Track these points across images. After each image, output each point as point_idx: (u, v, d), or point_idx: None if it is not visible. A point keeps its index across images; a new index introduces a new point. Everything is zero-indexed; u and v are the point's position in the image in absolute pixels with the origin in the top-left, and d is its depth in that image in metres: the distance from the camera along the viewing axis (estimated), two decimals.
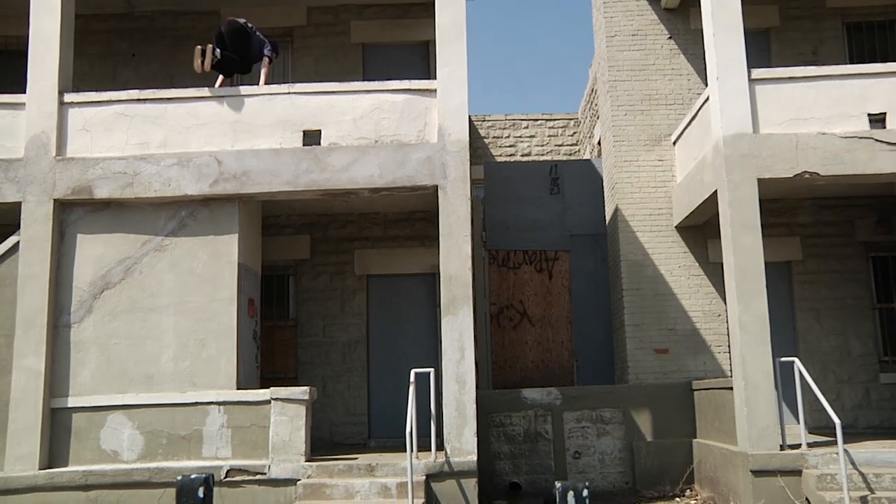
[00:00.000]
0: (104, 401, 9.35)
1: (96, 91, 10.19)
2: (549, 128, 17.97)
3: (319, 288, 11.81)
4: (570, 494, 2.21)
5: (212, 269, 9.66)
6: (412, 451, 8.51)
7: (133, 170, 9.77)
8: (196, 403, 9.29)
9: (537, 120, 17.96)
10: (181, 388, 9.44)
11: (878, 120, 9.68)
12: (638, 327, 12.07)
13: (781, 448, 9.10)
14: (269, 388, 9.49)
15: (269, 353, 11.45)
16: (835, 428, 10.38)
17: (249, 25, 10.40)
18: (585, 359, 13.34)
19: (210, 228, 9.73)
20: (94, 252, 9.76)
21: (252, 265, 10.33)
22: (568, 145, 17.64)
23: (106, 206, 9.88)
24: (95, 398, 9.38)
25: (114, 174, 9.78)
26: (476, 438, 9.21)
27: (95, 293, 9.69)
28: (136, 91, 10.06)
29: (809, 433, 9.13)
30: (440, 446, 9.27)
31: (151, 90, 10.05)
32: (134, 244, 9.76)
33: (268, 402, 9.24)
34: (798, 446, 9.12)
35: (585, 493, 2.15)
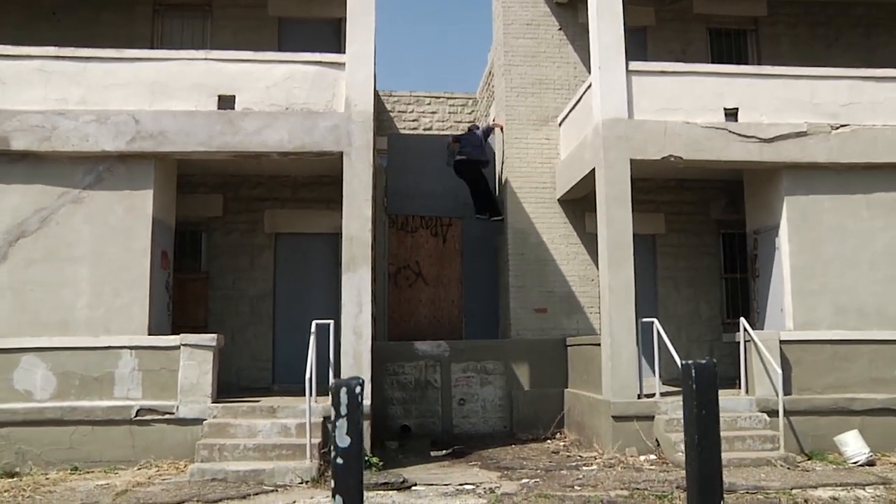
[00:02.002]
0: (18, 343, 9.02)
1: (14, 45, 9.67)
2: (450, 105, 17.93)
3: (230, 244, 11.62)
4: (343, 391, 2.27)
5: (127, 222, 9.38)
6: (311, 395, 8.43)
7: (51, 124, 9.37)
8: (109, 347, 9.02)
9: (439, 97, 17.91)
10: (95, 333, 9.17)
11: (732, 114, 10.11)
12: (521, 289, 12.19)
13: (639, 397, 9.37)
14: (179, 334, 9.25)
15: (182, 304, 11.10)
16: None
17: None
18: (473, 316, 13.42)
19: (127, 184, 9.44)
20: (10, 202, 9.35)
21: (166, 220, 10.04)
22: (466, 122, 17.70)
23: (23, 157, 9.45)
24: (9, 340, 9.04)
25: (31, 127, 9.36)
26: (371, 385, 9.19)
27: (11, 241, 9.29)
28: (55, 48, 9.61)
29: (664, 384, 9.60)
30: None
31: (70, 48, 9.62)
32: (51, 196, 9.38)
33: (177, 347, 9.08)
34: (653, 395, 9.39)
35: (358, 389, 2.20)
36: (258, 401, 9.48)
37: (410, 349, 11.72)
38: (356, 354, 9.09)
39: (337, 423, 2.15)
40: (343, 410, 2.27)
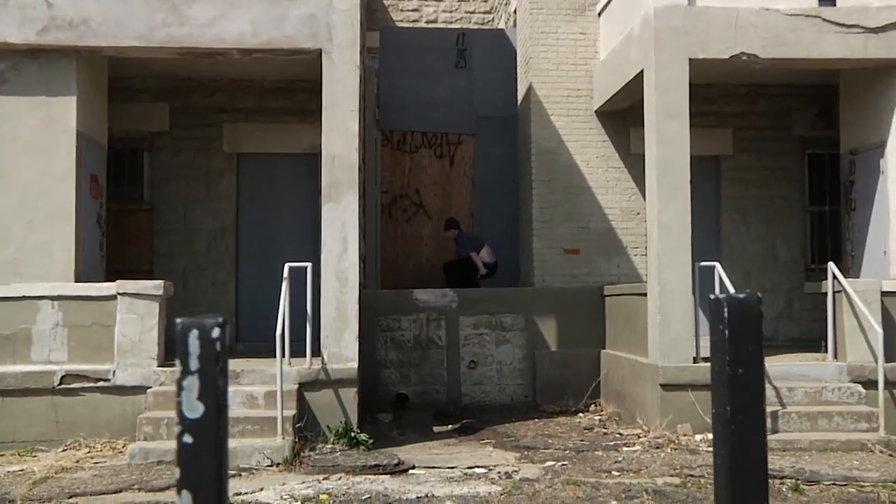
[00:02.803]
0: None
1: None
2: None
3: (181, 166, 11.59)
4: (193, 336, 2.02)
5: (43, 137, 9.14)
6: (283, 356, 8.55)
7: None
8: (23, 298, 8.87)
9: None
10: (4, 279, 9.01)
11: None
12: (547, 224, 12.16)
13: (695, 360, 9.32)
14: (116, 281, 9.14)
15: (120, 242, 11.15)
16: None
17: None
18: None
19: (40, 87, 9.15)
20: None
21: (96, 135, 9.91)
22: (480, 13, 17.33)
23: None
24: None
25: None
26: (358, 344, 9.24)
27: None
28: None
29: None
30: (317, 352, 9.22)
31: None
32: None
33: (114, 297, 9.00)
34: None
35: (216, 332, 1.97)
36: None
37: (409, 299, 11.72)
38: (340, 305, 9.11)
39: (184, 384, 1.90)
40: (193, 364, 2.02)
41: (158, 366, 9.03)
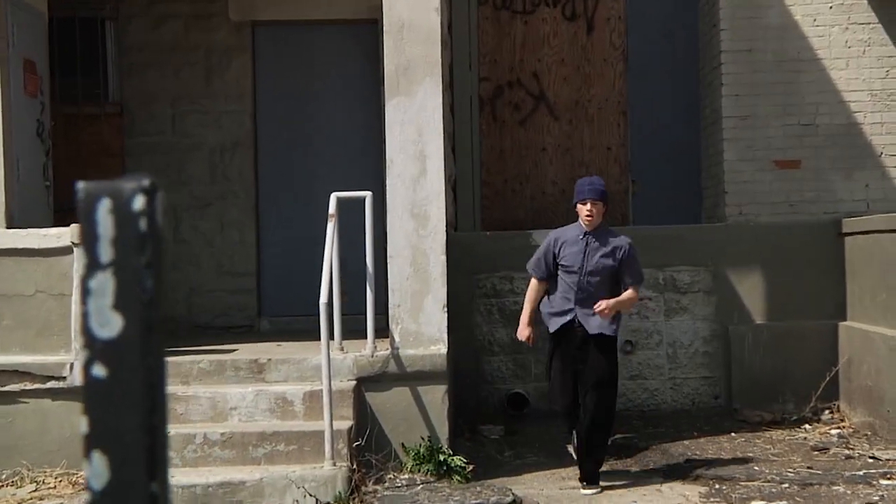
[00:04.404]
0: None
1: None
2: None
3: (164, 45, 11.89)
4: (103, 206, 1.72)
5: None
6: (332, 337, 8.73)
7: None
8: None
9: None
10: None
11: None
12: (745, 122, 12.08)
13: None
14: (70, 225, 9.23)
15: (75, 165, 11.21)
16: None
17: None
18: (649, 177, 13.37)
19: None
20: None
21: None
22: None
23: None
24: None
25: None
26: (447, 317, 9.33)
27: None
28: None
29: None
30: (383, 331, 9.38)
31: None
32: None
33: (68, 250, 9.09)
34: None
35: (139, 202, 1.68)
36: (232, 349, 9.87)
37: (526, 246, 11.47)
38: (417, 257, 9.27)
39: (90, 285, 1.84)
40: (103, 254, 2.01)
41: None
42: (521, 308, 11.49)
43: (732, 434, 10.50)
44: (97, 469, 1.80)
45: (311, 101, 11.92)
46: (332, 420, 8.38)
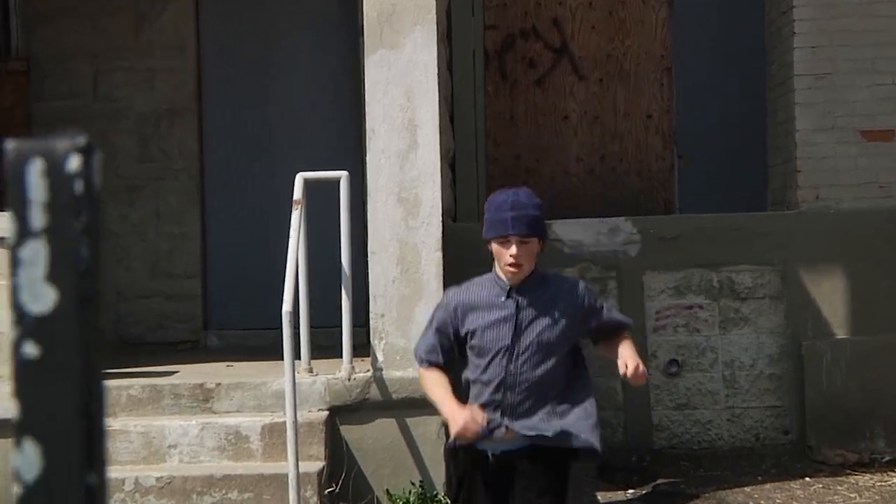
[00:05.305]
0: None
1: None
2: None
3: None
4: (35, 166, 1.81)
5: None
6: (297, 356, 8.90)
7: None
8: None
9: None
10: None
11: None
12: (824, 80, 12.02)
13: None
14: None
15: None
16: None
17: None
18: (700, 152, 13.41)
19: None
20: None
21: None
22: None
23: None
24: None
25: None
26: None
27: None
28: None
29: None
30: (363, 348, 9.65)
31: None
32: None
33: None
34: None
35: (74, 163, 1.79)
36: (171, 371, 10.01)
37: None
38: (406, 253, 9.43)
39: (20, 255, 1.98)
40: (35, 219, 2.07)
41: None
42: None
43: (807, 479, 10.51)
44: (29, 458, 1.86)
45: (272, 55, 12.08)
46: (297, 461, 8.46)
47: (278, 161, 11.59)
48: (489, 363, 6.60)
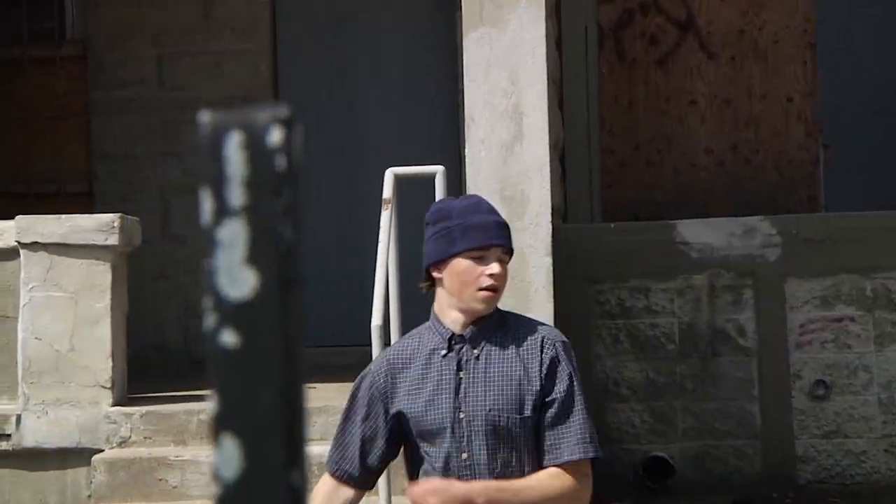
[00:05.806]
0: None
1: None
2: None
3: None
4: (233, 140, 1.87)
5: None
6: None
7: None
8: None
9: None
10: None
11: None
12: None
13: None
14: (15, 217, 9.57)
15: (14, 130, 11.84)
16: None
17: None
18: (849, 141, 13.36)
19: None
20: None
21: None
22: None
23: None
24: None
25: None
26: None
27: None
28: None
29: None
30: None
31: None
32: None
33: (13, 252, 9.46)
34: None
35: (276, 136, 1.79)
36: None
37: (667, 242, 11.76)
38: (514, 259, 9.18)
39: (218, 236, 1.96)
40: (234, 197, 2.09)
41: (114, 402, 9.54)
42: (663, 331, 11.63)
43: None
44: (227, 455, 1.89)
45: (357, 36, 12.15)
46: (390, 494, 8.47)
47: (365, 154, 11.75)
48: (433, 450, 5.33)
